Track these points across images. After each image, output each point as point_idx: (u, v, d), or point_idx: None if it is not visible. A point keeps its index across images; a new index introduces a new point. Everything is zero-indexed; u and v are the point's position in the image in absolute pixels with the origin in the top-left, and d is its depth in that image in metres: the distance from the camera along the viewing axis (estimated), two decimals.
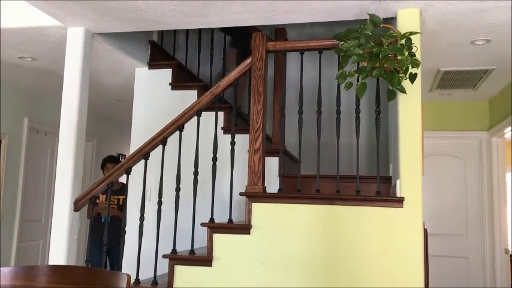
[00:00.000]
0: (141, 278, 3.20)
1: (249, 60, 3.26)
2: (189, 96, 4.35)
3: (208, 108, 3.38)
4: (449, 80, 4.79)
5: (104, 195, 4.44)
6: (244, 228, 3.08)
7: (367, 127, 4.71)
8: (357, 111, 3.13)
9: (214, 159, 3.24)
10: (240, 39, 4.76)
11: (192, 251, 3.16)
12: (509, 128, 4.91)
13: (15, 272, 1.67)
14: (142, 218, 3.24)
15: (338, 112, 3.16)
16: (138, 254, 3.21)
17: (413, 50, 2.85)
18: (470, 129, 5.56)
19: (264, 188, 3.12)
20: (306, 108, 3.37)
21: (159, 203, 3.23)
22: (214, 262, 3.08)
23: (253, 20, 3.47)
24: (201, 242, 3.49)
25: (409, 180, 2.97)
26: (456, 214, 5.49)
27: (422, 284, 2.85)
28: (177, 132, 3.29)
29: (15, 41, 4.04)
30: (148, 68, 4.65)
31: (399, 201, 2.94)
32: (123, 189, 3.97)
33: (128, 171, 3.29)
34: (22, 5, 3.45)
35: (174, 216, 3.23)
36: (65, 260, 3.46)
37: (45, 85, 5.38)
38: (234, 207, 3.30)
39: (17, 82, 5.33)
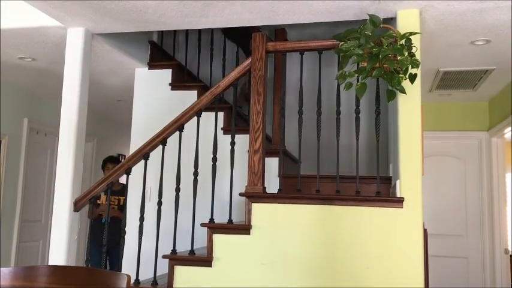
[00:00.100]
0: (141, 278, 3.20)
1: (248, 61, 3.26)
2: (189, 97, 4.35)
3: (208, 108, 3.38)
4: (449, 81, 4.79)
5: (105, 196, 4.45)
6: (244, 228, 3.08)
7: (367, 127, 4.71)
8: (357, 112, 3.12)
9: (214, 159, 3.23)
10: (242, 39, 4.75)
11: (192, 251, 3.16)
12: (509, 128, 4.90)
13: (15, 273, 1.68)
14: (142, 218, 3.24)
15: (338, 112, 3.16)
16: (138, 254, 3.21)
17: (413, 50, 2.85)
18: (470, 130, 5.56)
19: (264, 188, 3.12)
20: (305, 108, 3.37)
21: (159, 203, 3.23)
22: (214, 262, 3.08)
23: (254, 20, 3.47)
24: (201, 242, 3.50)
25: (409, 181, 2.98)
26: (456, 214, 5.50)
27: (422, 284, 2.85)
28: (177, 133, 3.29)
29: (15, 41, 4.04)
30: (148, 69, 4.65)
31: (399, 202, 2.94)
32: (125, 189, 3.97)
33: (127, 172, 3.29)
34: (22, 5, 3.45)
35: (174, 217, 3.23)
36: (65, 260, 3.46)
37: (45, 85, 5.38)
38: (234, 208, 3.30)
39: (17, 82, 5.33)
